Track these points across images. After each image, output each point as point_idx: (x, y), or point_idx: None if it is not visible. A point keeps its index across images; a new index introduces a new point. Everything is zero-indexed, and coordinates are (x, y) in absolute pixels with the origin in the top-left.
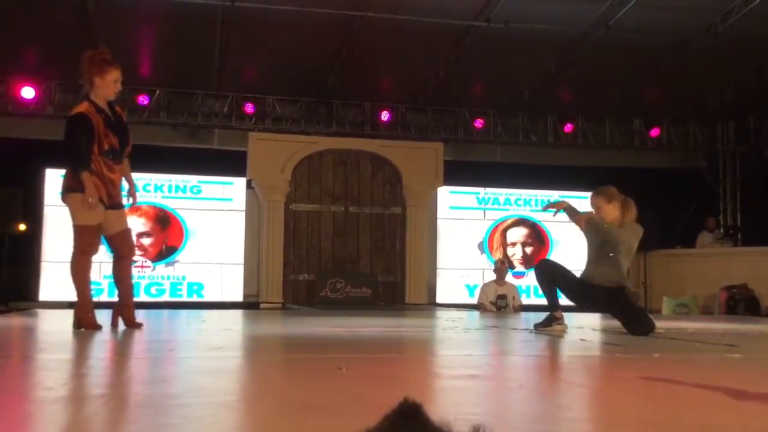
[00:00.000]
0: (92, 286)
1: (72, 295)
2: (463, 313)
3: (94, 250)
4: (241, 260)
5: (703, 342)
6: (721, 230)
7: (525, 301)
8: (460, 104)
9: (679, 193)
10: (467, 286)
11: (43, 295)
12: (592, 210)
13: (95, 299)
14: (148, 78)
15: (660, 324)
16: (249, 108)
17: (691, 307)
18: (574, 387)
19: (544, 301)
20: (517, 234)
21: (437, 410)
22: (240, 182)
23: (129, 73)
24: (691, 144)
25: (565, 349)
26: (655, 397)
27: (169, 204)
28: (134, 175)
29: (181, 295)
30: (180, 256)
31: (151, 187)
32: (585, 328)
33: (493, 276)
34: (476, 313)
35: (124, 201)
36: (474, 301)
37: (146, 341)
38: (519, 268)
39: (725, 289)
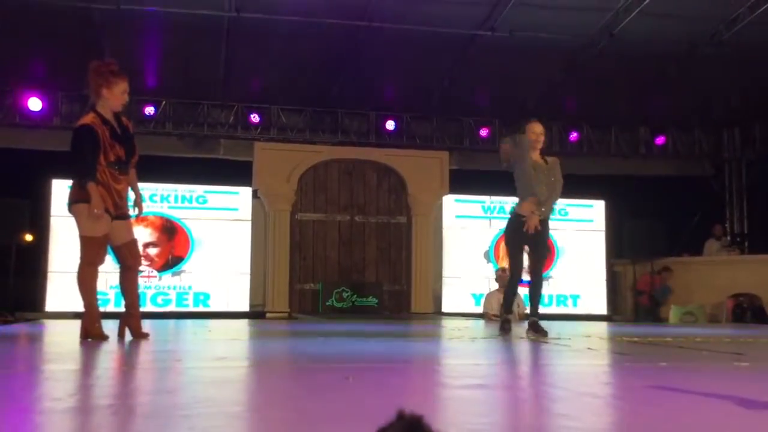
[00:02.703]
0: (99, 297)
1: (79, 306)
2: (469, 322)
3: (101, 261)
4: (247, 270)
5: (711, 350)
6: (728, 238)
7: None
8: (465, 113)
9: (686, 201)
10: (473, 294)
11: (50, 305)
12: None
13: (102, 309)
14: (153, 89)
15: (667, 332)
16: (254, 118)
17: (698, 315)
18: (582, 396)
19: (547, 310)
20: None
21: (443, 421)
22: (246, 192)
23: (135, 84)
24: (696, 151)
25: (572, 359)
26: (663, 406)
27: (175, 214)
28: (140, 186)
29: (187, 305)
30: (186, 266)
31: (157, 198)
32: (592, 336)
33: (497, 285)
34: (482, 322)
35: (131, 211)
36: (480, 310)
37: (153, 351)
38: (525, 276)
39: (732, 297)
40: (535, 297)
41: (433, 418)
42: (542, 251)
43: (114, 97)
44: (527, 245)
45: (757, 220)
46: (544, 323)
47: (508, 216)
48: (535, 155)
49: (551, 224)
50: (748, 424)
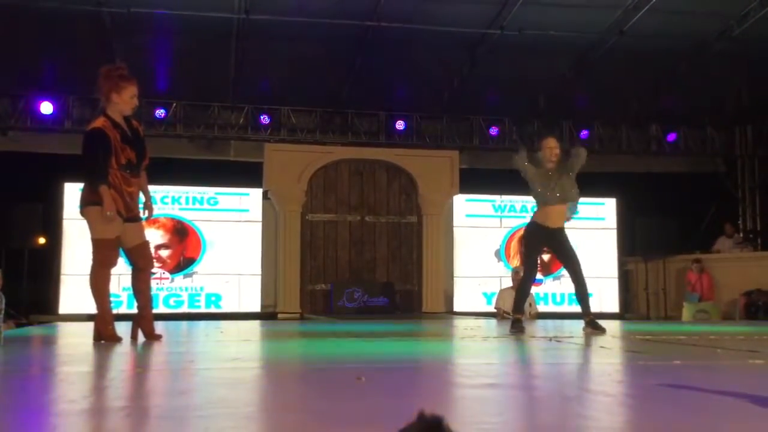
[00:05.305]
0: (111, 299)
1: (92, 308)
2: (481, 321)
3: (113, 263)
4: (259, 271)
5: (725, 348)
6: (740, 235)
7: (542, 308)
8: (475, 112)
9: (698, 198)
10: (485, 294)
11: (63, 308)
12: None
13: (114, 311)
14: (164, 91)
15: (681, 330)
16: (264, 119)
17: (711, 312)
18: (596, 395)
19: (559, 309)
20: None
21: (457, 420)
22: (256, 193)
23: (145, 87)
24: (708, 148)
25: (585, 357)
26: (677, 404)
27: (187, 216)
28: (151, 188)
29: (199, 307)
30: (198, 267)
31: (168, 199)
32: (605, 335)
33: (510, 283)
34: (494, 321)
35: (141, 214)
36: (492, 308)
37: (166, 353)
38: (536, 275)
39: (745, 294)
40: (585, 297)
41: (447, 418)
42: (573, 256)
43: (123, 101)
44: (555, 254)
45: None
46: (556, 322)
47: (528, 222)
48: (551, 167)
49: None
50: (764, 422)
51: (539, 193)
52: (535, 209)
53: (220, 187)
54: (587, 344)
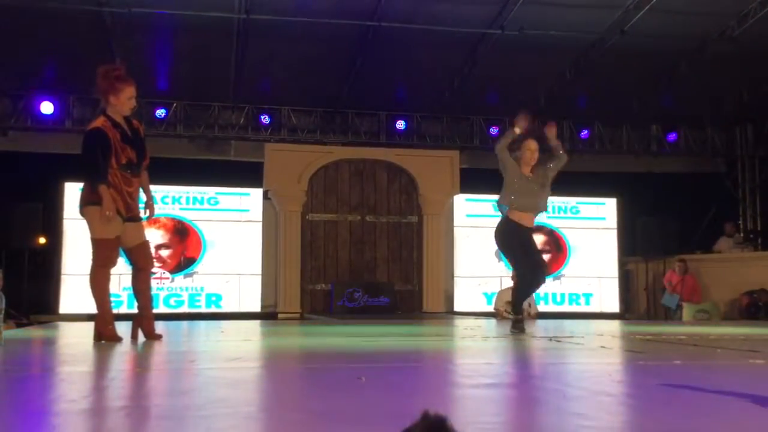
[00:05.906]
0: (111, 299)
1: (92, 308)
2: (481, 321)
3: (113, 263)
4: (259, 271)
5: (725, 348)
6: (741, 235)
7: (541, 308)
8: (476, 112)
9: (698, 198)
10: (485, 293)
11: (64, 307)
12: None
13: (114, 311)
14: (164, 91)
15: (681, 330)
16: (265, 119)
17: (711, 312)
18: (596, 395)
19: (560, 309)
20: (535, 241)
21: (457, 420)
22: (257, 193)
23: (146, 87)
24: (709, 148)
25: (585, 357)
26: (678, 405)
27: (187, 216)
28: (152, 188)
29: (199, 306)
30: (198, 267)
31: (168, 199)
32: (605, 335)
33: (510, 283)
34: (494, 321)
35: (142, 213)
36: (492, 308)
37: (166, 353)
38: None
39: (746, 294)
40: (531, 295)
41: (451, 418)
42: (539, 255)
43: (121, 103)
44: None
45: None
46: (556, 322)
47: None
48: (527, 170)
49: (562, 222)
50: (764, 422)
51: (516, 199)
52: (507, 208)
53: (220, 187)
54: (587, 344)
